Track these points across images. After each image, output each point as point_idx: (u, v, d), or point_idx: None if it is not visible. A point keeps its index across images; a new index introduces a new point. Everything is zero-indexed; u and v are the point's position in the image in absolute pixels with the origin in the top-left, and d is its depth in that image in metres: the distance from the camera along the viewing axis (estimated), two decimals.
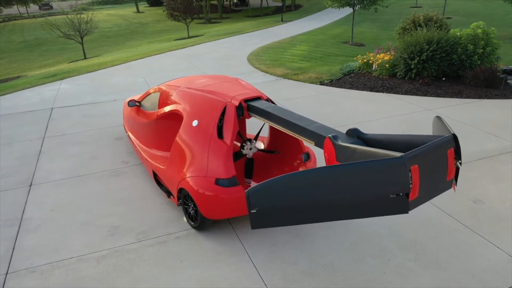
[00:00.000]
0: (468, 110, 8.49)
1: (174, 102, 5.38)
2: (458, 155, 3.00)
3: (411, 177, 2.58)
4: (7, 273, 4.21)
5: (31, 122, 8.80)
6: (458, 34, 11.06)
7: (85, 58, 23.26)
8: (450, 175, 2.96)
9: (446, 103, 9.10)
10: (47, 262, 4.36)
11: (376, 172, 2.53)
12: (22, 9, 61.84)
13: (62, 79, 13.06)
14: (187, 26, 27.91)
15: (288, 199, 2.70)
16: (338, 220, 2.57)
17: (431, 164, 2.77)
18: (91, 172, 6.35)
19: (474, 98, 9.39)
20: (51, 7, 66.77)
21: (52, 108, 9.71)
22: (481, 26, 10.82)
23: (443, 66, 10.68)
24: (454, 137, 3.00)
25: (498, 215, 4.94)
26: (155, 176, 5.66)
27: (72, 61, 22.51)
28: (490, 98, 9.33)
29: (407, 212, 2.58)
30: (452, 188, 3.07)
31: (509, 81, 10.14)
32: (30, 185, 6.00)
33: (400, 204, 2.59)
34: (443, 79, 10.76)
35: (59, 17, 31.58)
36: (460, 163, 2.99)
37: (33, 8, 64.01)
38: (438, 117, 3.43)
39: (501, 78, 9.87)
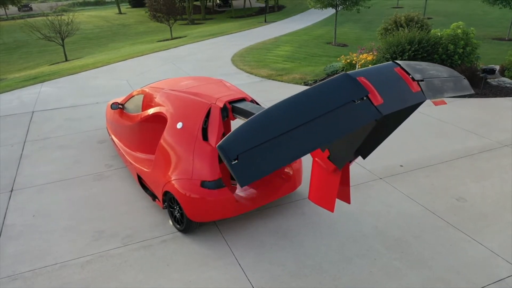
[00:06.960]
0: (450, 109, 8.63)
1: (158, 104, 5.34)
2: (408, 73, 3.14)
3: (362, 85, 2.81)
4: None
5: (12, 126, 8.62)
6: (439, 34, 11.23)
7: (66, 60, 22.88)
8: (414, 88, 3.09)
9: (427, 102, 9.22)
10: (30, 269, 4.27)
11: (331, 87, 2.78)
12: (0, 11, 60.59)
13: (43, 82, 12.83)
14: (170, 27, 27.69)
15: (265, 132, 2.64)
16: (324, 144, 2.63)
17: (380, 78, 2.96)
18: (74, 176, 6.25)
19: (455, 97, 9.55)
20: (31, 9, 65.45)
21: (33, 112, 9.53)
22: (461, 26, 11.02)
23: None
24: (396, 63, 3.19)
25: (481, 212, 5.03)
26: (140, 179, 5.60)
27: (53, 64, 22.14)
28: (470, 97, 9.50)
29: (381, 114, 2.72)
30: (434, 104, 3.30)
31: (489, 80, 10.35)
32: (11, 191, 5.88)
33: (368, 107, 2.77)
34: None
35: (39, 18, 30.88)
36: (413, 78, 3.11)
37: (12, 9, 62.69)
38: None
39: (481, 77, 10.06)
